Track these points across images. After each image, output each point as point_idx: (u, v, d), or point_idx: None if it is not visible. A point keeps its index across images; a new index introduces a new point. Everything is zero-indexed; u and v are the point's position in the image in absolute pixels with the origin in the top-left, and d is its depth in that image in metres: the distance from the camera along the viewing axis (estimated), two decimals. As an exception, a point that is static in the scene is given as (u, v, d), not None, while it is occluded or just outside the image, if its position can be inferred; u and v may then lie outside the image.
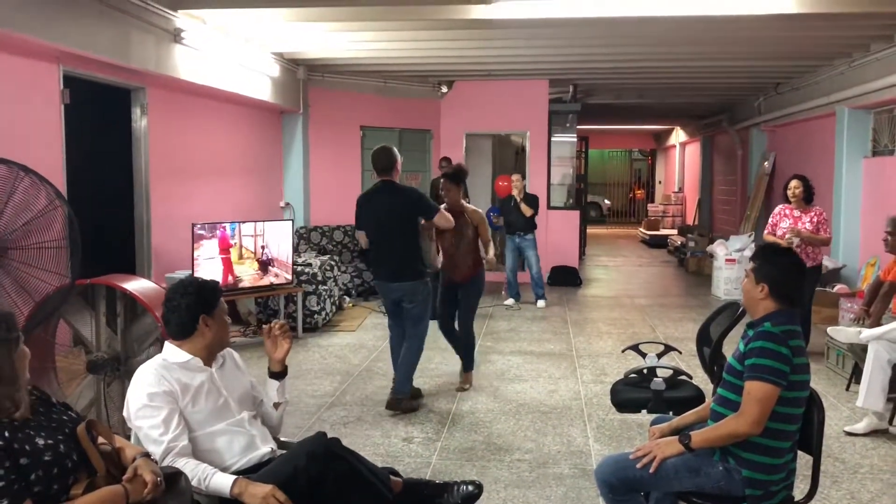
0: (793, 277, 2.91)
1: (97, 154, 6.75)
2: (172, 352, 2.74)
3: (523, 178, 9.91)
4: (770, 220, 6.89)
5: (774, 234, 6.72)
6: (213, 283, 2.87)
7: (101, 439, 2.25)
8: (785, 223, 6.66)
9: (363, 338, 7.65)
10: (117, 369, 4.25)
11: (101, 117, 6.78)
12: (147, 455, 2.31)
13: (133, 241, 6.88)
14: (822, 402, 2.90)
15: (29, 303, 3.91)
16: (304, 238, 9.98)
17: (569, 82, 11.59)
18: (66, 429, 2.17)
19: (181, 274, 6.62)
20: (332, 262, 8.69)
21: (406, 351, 5.40)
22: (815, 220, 6.62)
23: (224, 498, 2.52)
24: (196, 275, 5.90)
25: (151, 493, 2.15)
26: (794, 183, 6.76)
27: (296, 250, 8.60)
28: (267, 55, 8.60)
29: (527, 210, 9.46)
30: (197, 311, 2.72)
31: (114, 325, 4.33)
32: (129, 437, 2.71)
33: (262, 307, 8.02)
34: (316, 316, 7.93)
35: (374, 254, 5.42)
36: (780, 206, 6.90)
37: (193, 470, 2.51)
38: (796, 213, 6.70)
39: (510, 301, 9.68)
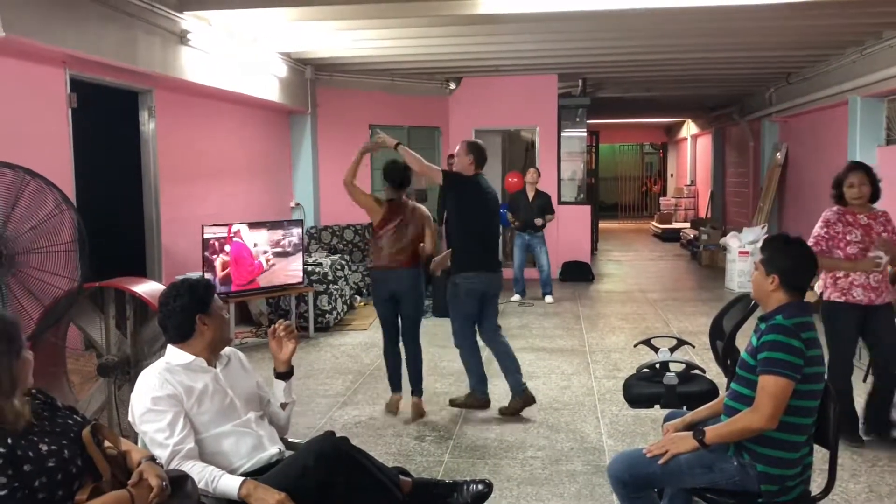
0: (804, 267, 2.86)
1: (106, 157, 6.76)
2: (175, 354, 2.72)
3: (538, 173, 9.85)
4: (820, 230, 4.56)
5: (829, 250, 4.52)
6: (205, 282, 2.86)
7: (107, 443, 2.23)
8: (855, 235, 4.48)
9: (375, 336, 7.62)
10: (128, 372, 4.25)
11: (108, 120, 6.79)
12: (153, 459, 2.29)
13: (143, 244, 6.89)
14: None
15: (38, 307, 3.91)
16: (314, 238, 9.97)
17: (578, 76, 11.53)
18: (70, 433, 2.15)
19: (192, 275, 6.63)
20: (343, 262, 8.68)
21: (506, 344, 5.36)
22: (889, 228, 4.56)
23: (232, 500, 2.50)
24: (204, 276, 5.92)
25: (157, 497, 2.12)
26: (856, 177, 4.53)
27: (306, 250, 8.60)
28: (274, 55, 8.59)
29: (539, 221, 9.47)
30: (192, 311, 2.70)
31: (124, 328, 4.34)
32: (137, 441, 2.70)
33: (273, 308, 8.02)
34: (327, 315, 7.92)
35: (479, 244, 5.25)
36: (833, 210, 4.61)
37: (200, 472, 2.49)
38: (862, 218, 4.53)
39: (516, 297, 9.66)
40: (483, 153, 5.27)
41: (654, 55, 9.50)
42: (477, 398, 5.32)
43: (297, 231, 7.64)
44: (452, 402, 5.37)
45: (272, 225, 7.53)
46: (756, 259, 2.94)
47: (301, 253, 7.64)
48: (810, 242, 4.47)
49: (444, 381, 6.03)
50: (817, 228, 4.61)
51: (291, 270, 7.54)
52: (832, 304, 4.58)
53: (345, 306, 8.42)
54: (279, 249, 7.43)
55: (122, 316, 4.34)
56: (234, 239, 7.01)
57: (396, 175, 5.25)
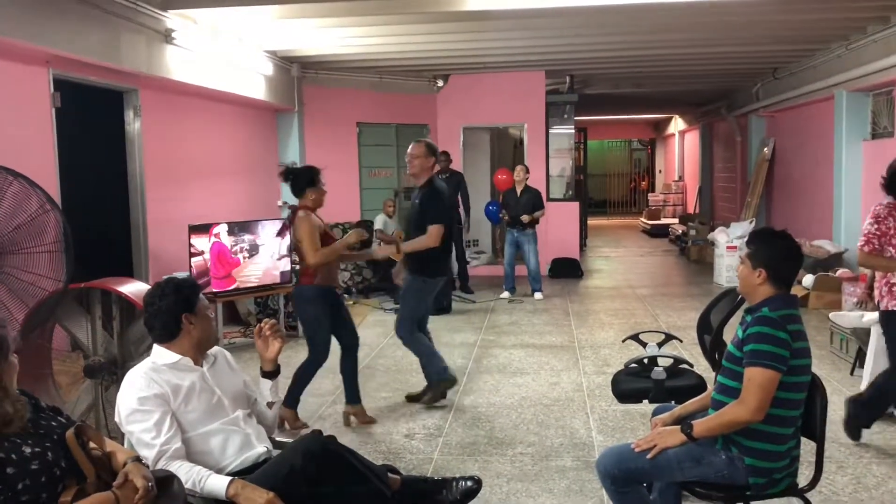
0: (790, 261, 2.86)
1: (91, 157, 6.71)
2: (161, 354, 2.70)
3: (527, 170, 9.83)
4: (870, 227, 4.17)
5: (881, 248, 4.16)
6: (191, 281, 2.85)
7: (91, 444, 2.21)
8: None
9: (364, 335, 7.51)
10: (115, 373, 4.22)
11: (93, 120, 6.74)
12: (138, 459, 2.27)
13: (129, 244, 6.85)
14: (826, 388, 2.86)
15: (22, 308, 3.88)
16: (303, 237, 9.93)
17: (565, 73, 11.54)
18: (54, 435, 2.12)
19: (179, 275, 6.59)
20: (332, 260, 8.64)
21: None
22: None
23: (220, 500, 2.48)
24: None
25: (143, 498, 2.10)
26: None
27: (294, 249, 8.55)
28: (260, 53, 8.56)
29: (526, 218, 9.44)
30: (178, 311, 2.68)
31: (110, 328, 4.31)
32: (124, 442, 2.68)
33: (261, 307, 7.99)
34: (316, 314, 7.88)
35: (447, 249, 5.45)
36: (882, 204, 4.23)
37: (188, 472, 2.48)
38: None
39: (506, 294, 9.67)
40: (438, 153, 5.34)
41: (641, 51, 9.53)
42: (437, 385, 5.31)
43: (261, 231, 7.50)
44: (410, 398, 5.38)
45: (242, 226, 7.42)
46: (742, 253, 2.94)
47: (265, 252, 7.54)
48: (861, 241, 4.23)
49: (433, 378, 6.03)
50: (867, 225, 4.20)
51: (258, 269, 7.41)
52: (891, 313, 4.22)
53: (334, 305, 8.39)
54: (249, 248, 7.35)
55: (109, 316, 4.32)
56: (214, 240, 6.98)
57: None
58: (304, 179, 4.80)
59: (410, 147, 5.25)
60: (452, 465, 4.27)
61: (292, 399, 4.89)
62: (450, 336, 7.59)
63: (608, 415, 5.09)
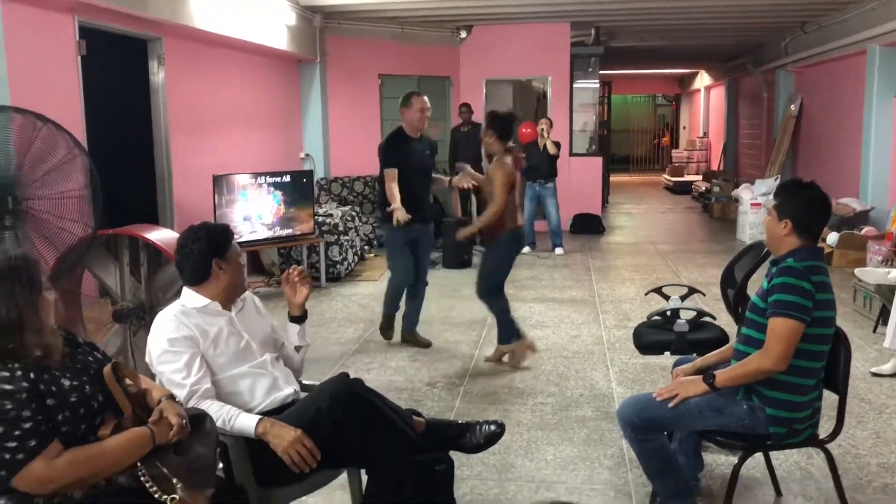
0: (817, 212, 2.84)
1: (116, 107, 6.72)
2: (190, 297, 2.74)
3: (551, 123, 9.76)
4: None
5: None
6: (224, 227, 2.87)
7: (127, 381, 2.27)
8: None
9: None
10: (142, 318, 4.30)
11: (118, 69, 6.74)
12: (172, 397, 2.32)
13: (155, 195, 6.90)
14: (849, 342, 2.86)
15: (53, 253, 3.94)
16: (324, 189, 9.96)
17: (591, 25, 11.35)
18: (90, 370, 2.18)
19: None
20: (354, 213, 8.68)
21: None
22: None
23: (249, 438, 2.55)
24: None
25: (177, 434, 2.16)
26: None
27: (317, 201, 8.60)
28: (283, 2, 8.48)
29: (552, 147, 9.36)
30: (209, 255, 2.71)
31: (137, 274, 4.38)
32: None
33: (284, 258, 8.06)
34: (338, 266, 7.96)
35: None
36: None
37: (218, 411, 2.53)
38: None
39: (526, 249, 9.65)
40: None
41: (668, 2, 9.34)
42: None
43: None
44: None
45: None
46: (770, 204, 2.92)
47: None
48: None
49: (454, 329, 6.08)
50: None
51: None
52: None
53: (356, 257, 8.45)
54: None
55: (136, 263, 4.38)
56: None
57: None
58: (511, 125, 5.03)
59: (426, 100, 5.42)
60: (473, 413, 4.33)
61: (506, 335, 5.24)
62: (471, 289, 7.60)
63: (628, 367, 5.12)
